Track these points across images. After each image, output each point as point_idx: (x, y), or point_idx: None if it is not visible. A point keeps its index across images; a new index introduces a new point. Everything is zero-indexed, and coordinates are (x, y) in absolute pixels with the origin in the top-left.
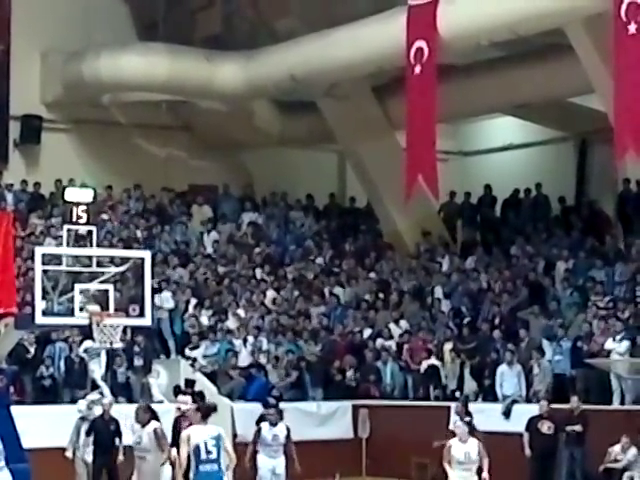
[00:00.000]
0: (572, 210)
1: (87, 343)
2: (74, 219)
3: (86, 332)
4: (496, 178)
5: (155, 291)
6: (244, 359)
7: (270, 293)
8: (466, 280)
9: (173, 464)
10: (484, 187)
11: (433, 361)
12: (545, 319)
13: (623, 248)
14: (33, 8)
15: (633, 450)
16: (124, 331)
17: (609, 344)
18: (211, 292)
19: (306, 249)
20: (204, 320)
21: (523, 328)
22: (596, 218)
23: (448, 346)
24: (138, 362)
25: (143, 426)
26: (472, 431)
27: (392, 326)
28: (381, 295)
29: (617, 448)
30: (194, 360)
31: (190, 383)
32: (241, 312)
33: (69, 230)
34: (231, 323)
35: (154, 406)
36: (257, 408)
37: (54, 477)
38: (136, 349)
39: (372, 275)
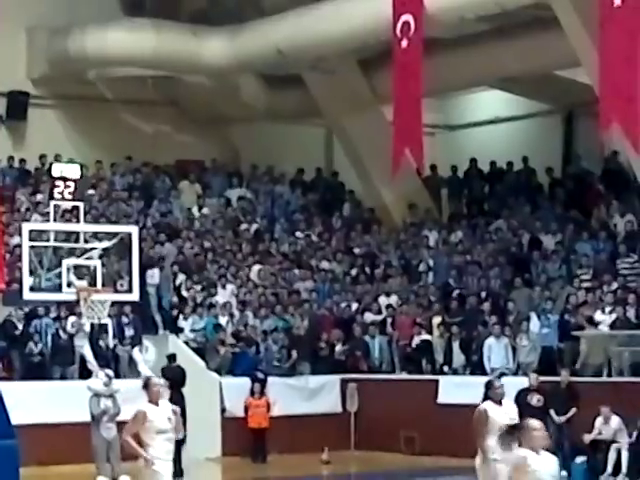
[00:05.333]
0: (558, 183)
1: (73, 318)
2: (60, 195)
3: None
4: (482, 151)
5: (142, 266)
6: (231, 334)
7: (257, 268)
8: (453, 253)
9: None
10: (469, 160)
11: (426, 336)
12: (532, 292)
13: (610, 221)
14: None
15: (616, 419)
16: (112, 306)
17: (597, 316)
18: (199, 267)
19: (293, 223)
20: (192, 294)
21: (510, 301)
22: (583, 191)
23: (437, 320)
24: (128, 333)
25: None
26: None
27: (380, 300)
28: (368, 269)
29: (599, 420)
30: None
31: (173, 357)
32: (229, 287)
33: (55, 206)
34: (219, 298)
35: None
36: (245, 383)
37: (42, 453)
38: (125, 320)
39: (359, 249)
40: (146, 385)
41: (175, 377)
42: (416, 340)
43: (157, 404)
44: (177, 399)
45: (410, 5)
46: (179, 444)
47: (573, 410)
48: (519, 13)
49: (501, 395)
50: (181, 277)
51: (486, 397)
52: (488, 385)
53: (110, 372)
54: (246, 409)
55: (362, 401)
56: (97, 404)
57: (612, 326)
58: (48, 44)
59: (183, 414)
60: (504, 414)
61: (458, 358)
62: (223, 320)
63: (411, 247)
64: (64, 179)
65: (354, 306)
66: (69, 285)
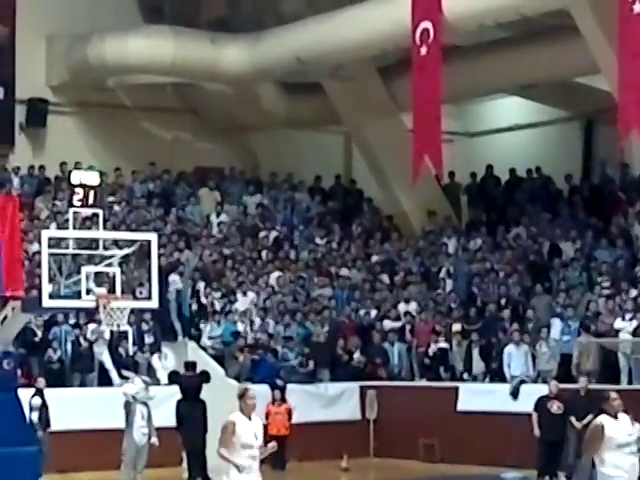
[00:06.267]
0: (577, 190)
1: (93, 325)
2: (80, 202)
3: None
4: (502, 158)
5: (161, 274)
6: (250, 341)
7: (276, 275)
8: (472, 261)
9: None
10: (485, 167)
11: (443, 344)
12: (551, 299)
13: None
14: None
15: (637, 427)
16: (131, 313)
17: (618, 323)
18: (218, 274)
19: (312, 231)
20: (212, 302)
21: (530, 308)
22: (603, 198)
23: (456, 327)
24: (148, 340)
25: None
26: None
27: (399, 307)
28: (387, 276)
29: None
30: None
31: (191, 365)
32: (249, 294)
33: (75, 213)
34: (239, 305)
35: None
36: (264, 390)
37: (62, 460)
38: (144, 327)
39: (378, 256)
40: (242, 395)
41: (190, 385)
42: (434, 347)
43: (250, 417)
44: (190, 408)
45: (429, 12)
46: (204, 452)
47: (590, 416)
48: (538, 20)
49: (618, 408)
50: (200, 284)
51: (600, 411)
52: (604, 397)
53: (147, 379)
54: (266, 416)
55: (381, 408)
56: (132, 409)
57: (634, 333)
58: (67, 51)
59: (204, 423)
60: (622, 429)
61: (478, 365)
62: (241, 327)
63: (430, 254)
64: (83, 186)
65: (373, 313)
66: (88, 292)
